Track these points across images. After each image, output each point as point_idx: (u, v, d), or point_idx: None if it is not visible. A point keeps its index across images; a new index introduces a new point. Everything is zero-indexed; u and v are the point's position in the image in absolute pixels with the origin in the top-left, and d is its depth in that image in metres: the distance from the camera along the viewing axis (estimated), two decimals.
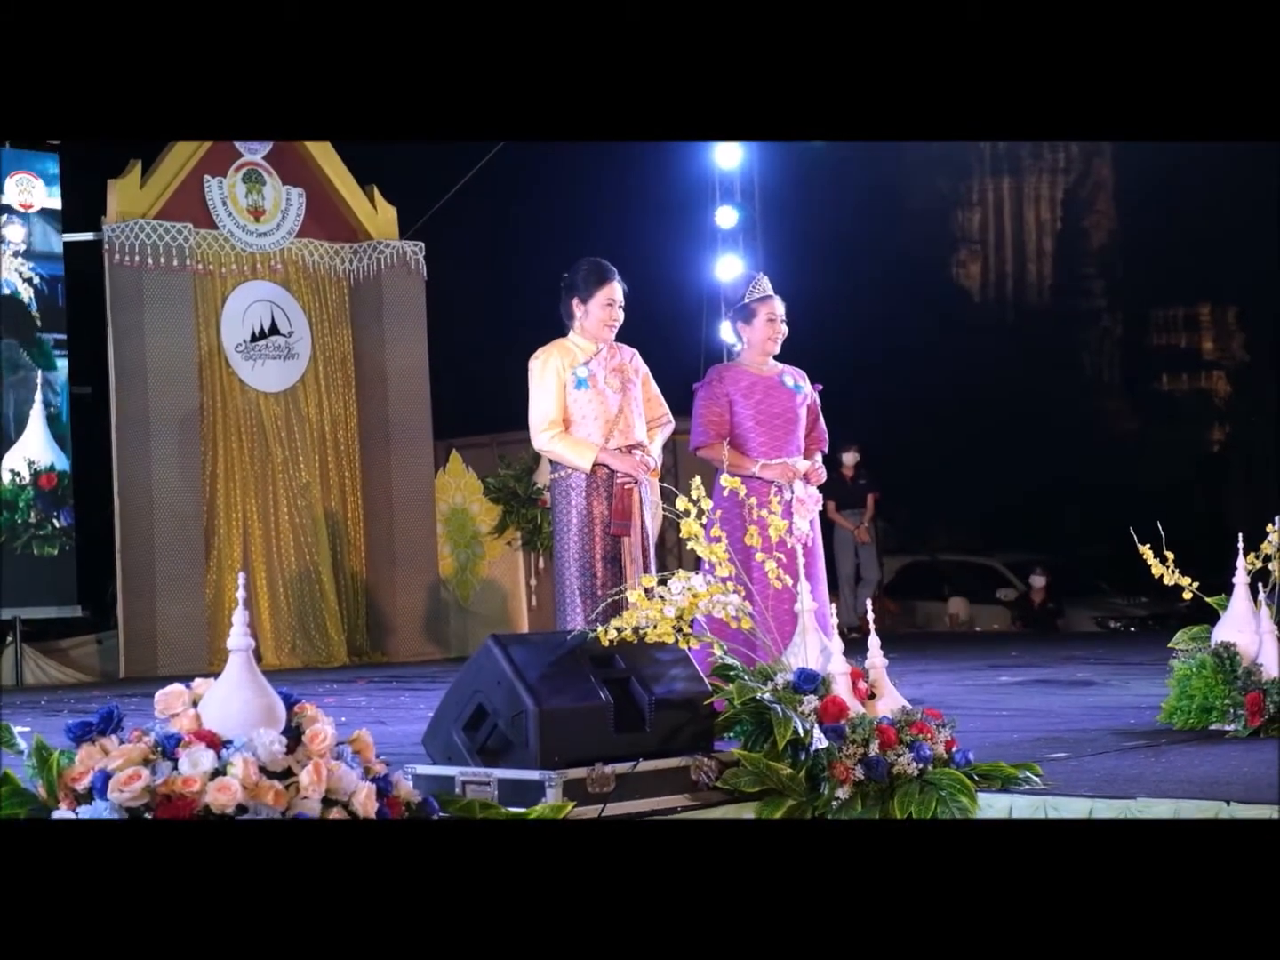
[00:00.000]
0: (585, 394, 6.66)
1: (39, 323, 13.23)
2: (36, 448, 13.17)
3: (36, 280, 13.23)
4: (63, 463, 13.25)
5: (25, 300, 13.17)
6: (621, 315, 6.75)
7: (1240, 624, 6.51)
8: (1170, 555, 6.53)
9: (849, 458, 16.10)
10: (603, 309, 6.70)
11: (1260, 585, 6.54)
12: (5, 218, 13.11)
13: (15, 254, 13.16)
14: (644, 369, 6.90)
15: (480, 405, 17.20)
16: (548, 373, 6.68)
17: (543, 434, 6.66)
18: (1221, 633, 6.54)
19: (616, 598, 5.39)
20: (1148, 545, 6.54)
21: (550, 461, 6.80)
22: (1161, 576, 6.56)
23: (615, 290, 6.72)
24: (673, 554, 14.89)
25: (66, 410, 13.30)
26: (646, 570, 6.54)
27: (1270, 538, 6.56)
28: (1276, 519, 6.58)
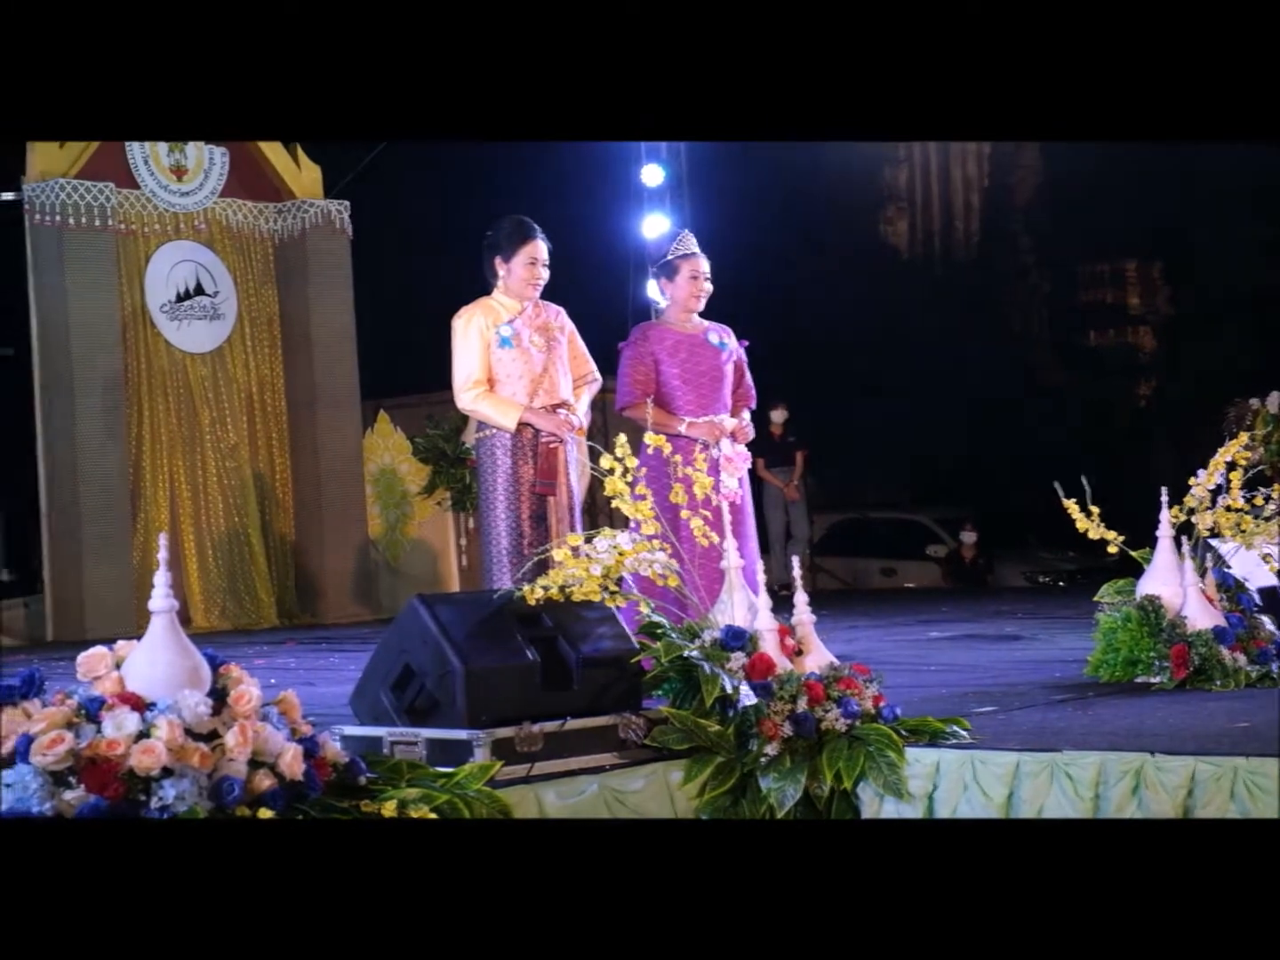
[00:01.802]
0: (509, 353, 6.63)
1: None
2: None
3: None
4: None
5: None
6: (546, 273, 6.71)
7: (1165, 577, 6.54)
8: (1096, 510, 6.56)
9: (777, 415, 16.08)
10: (525, 267, 6.66)
11: (1184, 538, 6.58)
12: None
13: None
14: (570, 326, 6.86)
15: (408, 365, 17.06)
16: (471, 332, 6.64)
17: (466, 393, 6.62)
18: (1146, 586, 6.57)
19: (542, 557, 5.38)
20: (1073, 500, 6.57)
21: (475, 421, 6.76)
22: (1087, 531, 6.59)
23: (538, 248, 6.68)
24: (604, 513, 14.87)
25: None
26: (573, 529, 6.52)
27: (1193, 491, 6.60)
28: (1199, 472, 6.62)
